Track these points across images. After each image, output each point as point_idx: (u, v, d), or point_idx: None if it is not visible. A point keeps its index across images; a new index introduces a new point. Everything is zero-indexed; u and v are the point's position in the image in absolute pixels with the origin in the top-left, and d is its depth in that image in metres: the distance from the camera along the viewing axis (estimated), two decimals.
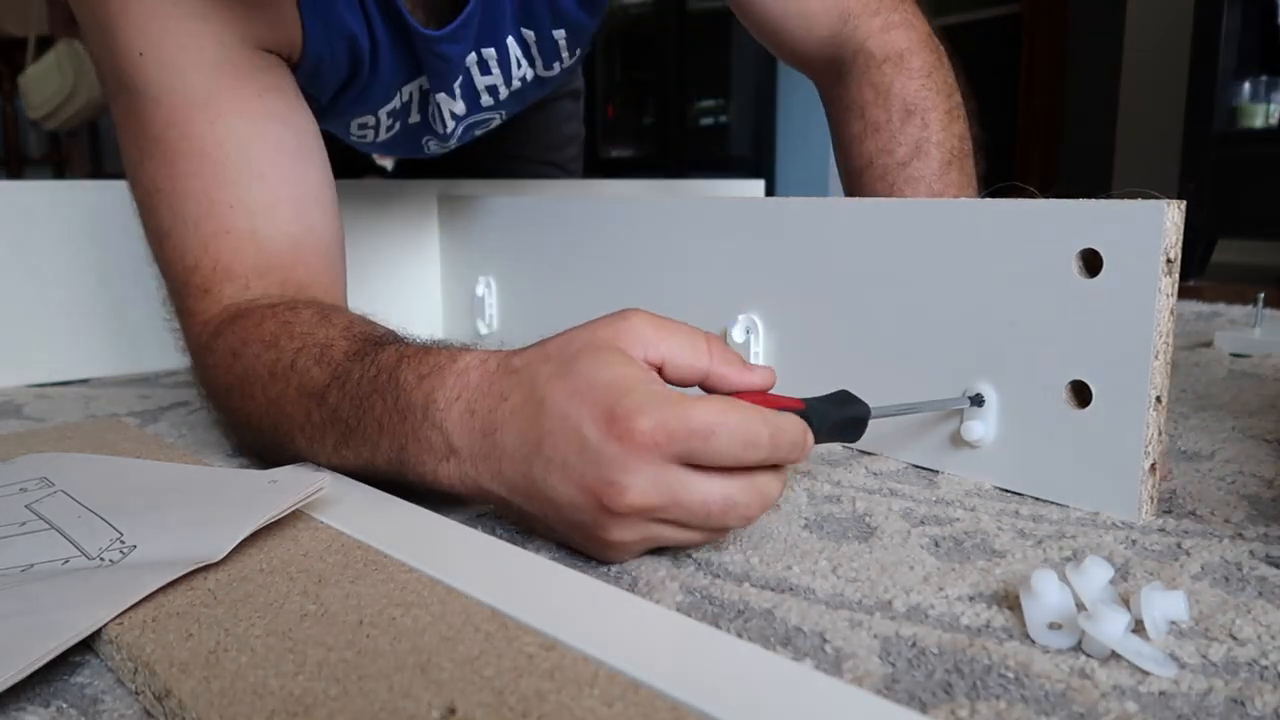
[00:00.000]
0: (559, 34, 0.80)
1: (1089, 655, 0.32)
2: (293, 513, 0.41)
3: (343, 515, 0.42)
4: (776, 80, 3.50)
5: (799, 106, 3.27)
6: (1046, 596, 0.34)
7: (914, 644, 0.33)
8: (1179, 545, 0.41)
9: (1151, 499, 0.44)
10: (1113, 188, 2.72)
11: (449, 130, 0.81)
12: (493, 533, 0.43)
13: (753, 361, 0.61)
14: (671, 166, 3.56)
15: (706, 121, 3.74)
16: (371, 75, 0.69)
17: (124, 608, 0.33)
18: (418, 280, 0.99)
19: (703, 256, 0.67)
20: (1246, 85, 2.18)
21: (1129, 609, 0.34)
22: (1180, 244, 0.42)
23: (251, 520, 0.39)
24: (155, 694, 0.29)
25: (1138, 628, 0.33)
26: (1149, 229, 0.42)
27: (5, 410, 0.70)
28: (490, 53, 0.77)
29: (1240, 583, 0.38)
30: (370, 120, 0.77)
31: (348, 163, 1.05)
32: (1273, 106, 2.16)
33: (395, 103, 0.76)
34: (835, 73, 0.77)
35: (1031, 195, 0.49)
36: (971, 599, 0.36)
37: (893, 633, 0.34)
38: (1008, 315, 0.48)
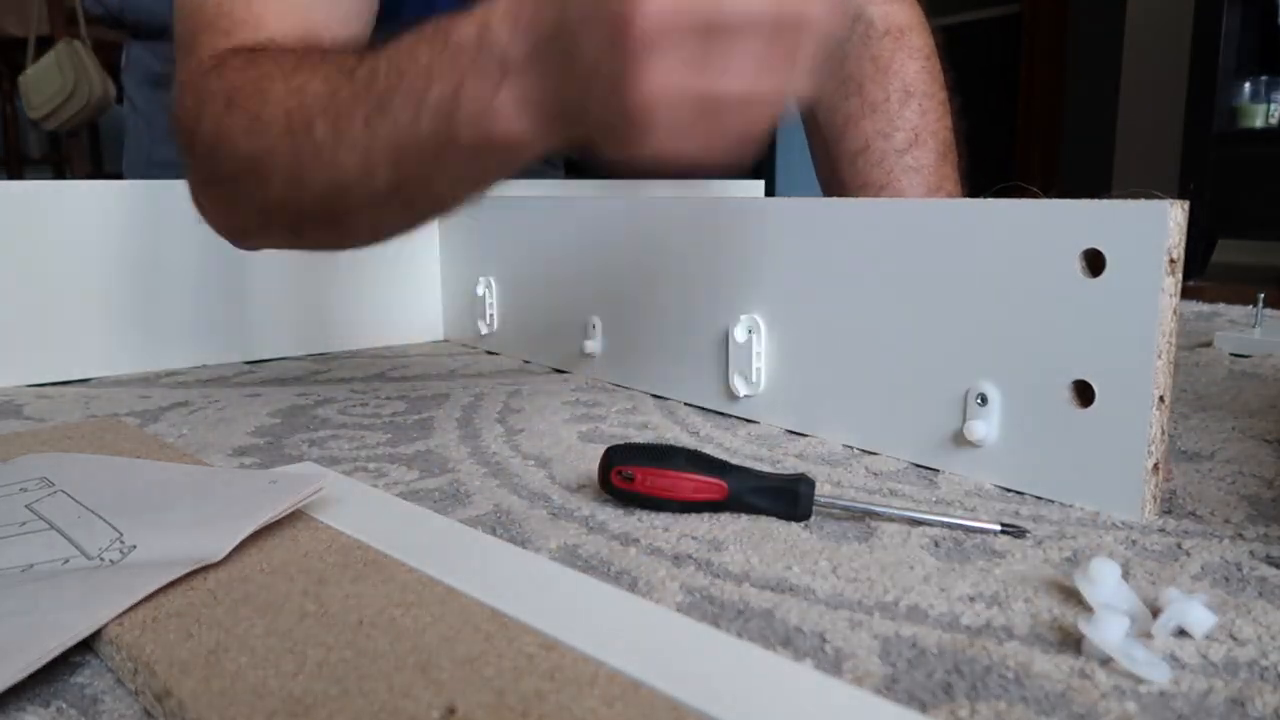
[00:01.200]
0: None
1: (1089, 656, 0.32)
2: (293, 513, 0.41)
3: (343, 515, 0.42)
4: None
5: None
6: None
7: (914, 644, 0.33)
8: (1179, 545, 0.41)
9: (1154, 499, 0.44)
10: (1113, 188, 2.72)
11: None
12: (492, 533, 0.43)
13: (755, 363, 0.62)
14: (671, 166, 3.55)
15: None
16: None
17: (124, 608, 0.33)
18: (418, 280, 0.99)
19: (704, 257, 0.66)
20: (1246, 85, 2.19)
21: (1143, 605, 0.34)
22: (1183, 244, 0.42)
23: (251, 520, 0.39)
24: (155, 694, 0.29)
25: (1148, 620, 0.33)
26: (1152, 229, 0.42)
27: (5, 410, 0.70)
28: None
29: (1240, 583, 0.38)
30: None
31: None
32: (1273, 106, 2.16)
33: None
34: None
35: (1034, 195, 0.49)
36: (971, 599, 0.36)
37: (893, 633, 0.34)
38: (1010, 315, 0.48)
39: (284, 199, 0.48)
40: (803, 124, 0.82)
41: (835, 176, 0.75)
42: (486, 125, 0.40)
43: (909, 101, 0.71)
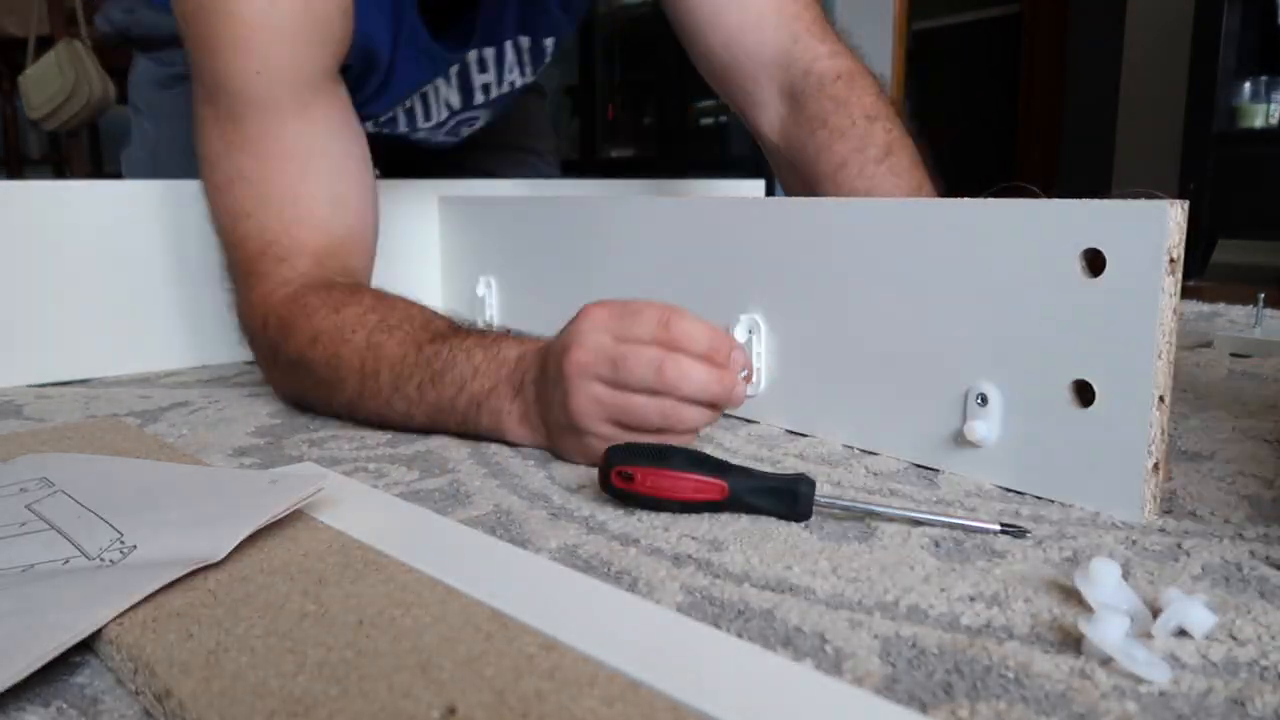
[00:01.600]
0: (548, 42, 0.85)
1: (1089, 656, 0.32)
2: (293, 513, 0.41)
3: (343, 515, 0.42)
4: None
5: None
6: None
7: (914, 644, 0.33)
8: (1179, 545, 0.41)
9: (1154, 499, 0.44)
10: (1113, 188, 2.72)
11: (440, 119, 0.88)
12: (492, 533, 0.43)
13: (755, 363, 0.62)
14: (671, 166, 3.56)
15: (706, 121, 3.73)
16: (386, 79, 0.77)
17: (124, 608, 0.33)
18: (418, 280, 0.99)
19: (704, 256, 0.67)
20: (1246, 85, 2.19)
21: (1144, 605, 0.34)
22: (1183, 244, 0.42)
23: (251, 520, 0.39)
24: (155, 694, 0.29)
25: (1148, 619, 0.33)
26: (1152, 229, 0.42)
27: (5, 410, 0.70)
28: (490, 52, 0.80)
29: (1240, 583, 0.38)
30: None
31: None
32: (1273, 106, 2.16)
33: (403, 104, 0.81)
34: (787, 95, 0.80)
35: (1034, 195, 0.49)
36: (971, 599, 0.36)
37: (893, 633, 0.34)
38: (1011, 315, 0.48)
39: (341, 406, 0.63)
40: (773, 164, 0.85)
41: (815, 196, 0.78)
42: (497, 420, 0.57)
43: (874, 123, 0.76)
